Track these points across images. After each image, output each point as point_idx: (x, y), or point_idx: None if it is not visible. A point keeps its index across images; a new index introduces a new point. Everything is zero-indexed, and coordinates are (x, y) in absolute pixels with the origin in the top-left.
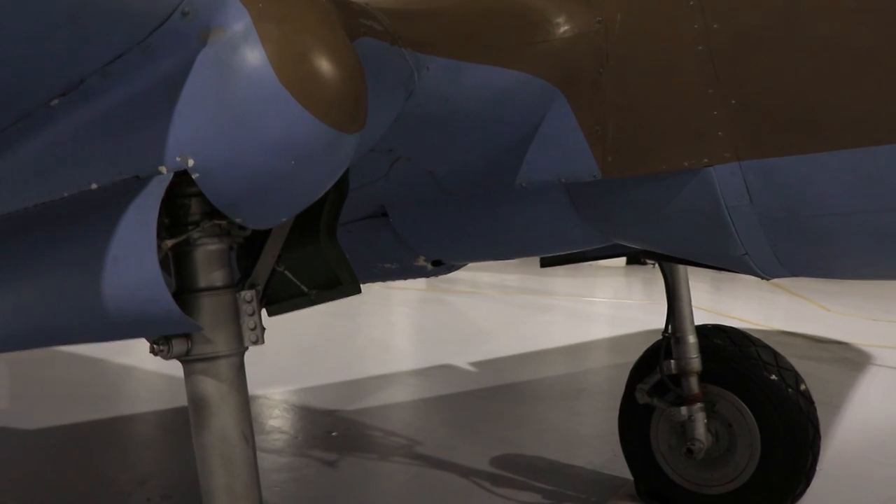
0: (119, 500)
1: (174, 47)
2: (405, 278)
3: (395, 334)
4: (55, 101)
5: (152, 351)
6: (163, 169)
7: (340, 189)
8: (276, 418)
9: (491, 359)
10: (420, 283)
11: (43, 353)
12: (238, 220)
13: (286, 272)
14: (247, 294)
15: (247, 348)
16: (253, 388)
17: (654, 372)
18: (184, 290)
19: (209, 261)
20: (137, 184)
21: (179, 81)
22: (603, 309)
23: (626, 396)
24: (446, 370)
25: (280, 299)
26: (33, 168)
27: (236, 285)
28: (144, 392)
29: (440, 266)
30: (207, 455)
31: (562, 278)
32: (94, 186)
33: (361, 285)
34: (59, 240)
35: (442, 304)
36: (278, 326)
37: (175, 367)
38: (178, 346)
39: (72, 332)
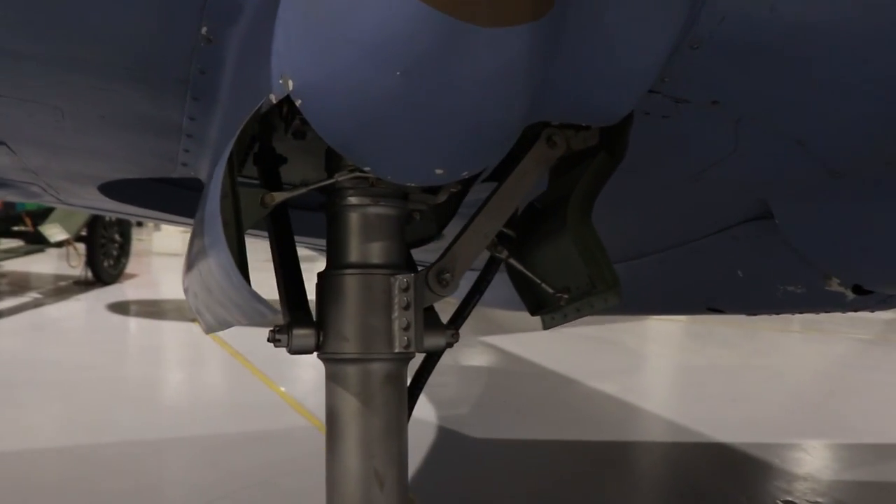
0: None
1: None
2: (822, 310)
3: None
4: (204, 29)
5: (270, 339)
6: (272, 97)
7: (615, 152)
8: (726, 473)
9: None
10: None
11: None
12: (367, 170)
13: (512, 261)
14: (402, 280)
15: (402, 355)
16: (716, 434)
17: None
18: (331, 264)
19: (365, 229)
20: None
21: None
22: None
23: None
24: None
25: (542, 304)
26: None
27: (407, 269)
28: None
29: (867, 295)
30: (331, 487)
31: None
32: None
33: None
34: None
35: None
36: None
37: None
38: (301, 338)
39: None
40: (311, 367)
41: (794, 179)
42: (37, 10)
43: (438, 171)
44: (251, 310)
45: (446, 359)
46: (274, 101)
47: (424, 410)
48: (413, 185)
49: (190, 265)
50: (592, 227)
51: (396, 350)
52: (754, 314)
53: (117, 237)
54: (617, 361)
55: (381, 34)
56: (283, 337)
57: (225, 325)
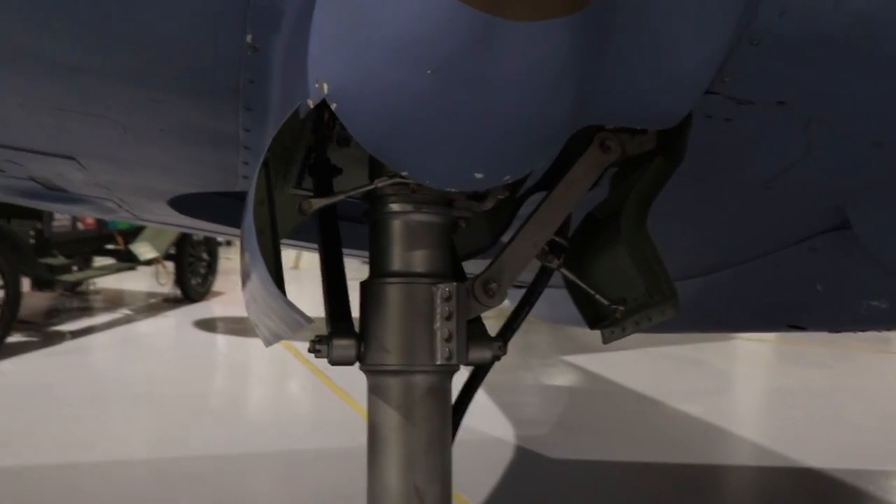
0: None
1: None
2: None
3: None
4: (249, 37)
5: (310, 349)
6: (310, 102)
7: (672, 155)
8: (817, 501)
9: None
10: None
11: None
12: (404, 174)
13: (564, 271)
14: (444, 289)
15: (445, 368)
16: (807, 459)
17: None
18: (373, 273)
19: (407, 237)
20: None
21: None
22: None
23: None
24: None
25: (601, 317)
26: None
27: (452, 278)
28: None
29: None
30: (371, 502)
31: None
32: None
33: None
34: None
35: None
36: None
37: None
38: (341, 348)
39: None
40: None
41: (871, 184)
42: (88, 23)
43: (478, 176)
44: (289, 319)
45: (527, 378)
46: (311, 106)
47: (503, 429)
48: (453, 190)
49: (243, 279)
50: (648, 236)
51: (438, 362)
52: (837, 331)
53: (205, 256)
54: (702, 382)
55: (411, 32)
56: (324, 347)
57: (276, 336)
